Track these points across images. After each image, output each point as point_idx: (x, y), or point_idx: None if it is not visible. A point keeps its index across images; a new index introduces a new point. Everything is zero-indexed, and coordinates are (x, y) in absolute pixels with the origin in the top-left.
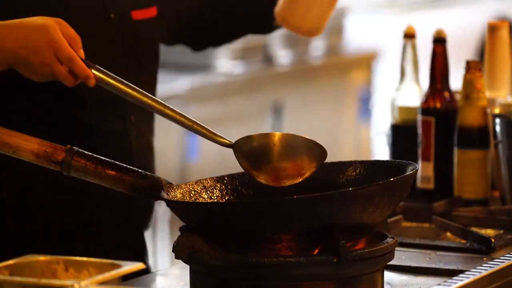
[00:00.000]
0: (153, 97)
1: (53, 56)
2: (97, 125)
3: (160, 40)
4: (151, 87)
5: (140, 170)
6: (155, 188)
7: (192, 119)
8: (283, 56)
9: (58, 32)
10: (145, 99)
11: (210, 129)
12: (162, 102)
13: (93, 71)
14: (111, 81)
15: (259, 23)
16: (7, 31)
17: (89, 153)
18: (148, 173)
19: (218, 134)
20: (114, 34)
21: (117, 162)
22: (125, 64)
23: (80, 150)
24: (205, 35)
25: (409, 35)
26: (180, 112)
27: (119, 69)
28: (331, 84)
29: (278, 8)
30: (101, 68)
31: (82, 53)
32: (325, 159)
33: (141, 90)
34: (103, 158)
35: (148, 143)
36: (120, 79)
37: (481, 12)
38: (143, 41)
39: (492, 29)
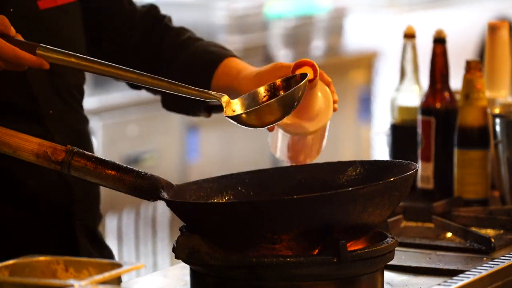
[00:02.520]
0: (109, 63)
1: None
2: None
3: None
4: (81, 76)
5: (140, 170)
6: (155, 188)
7: (169, 80)
8: (283, 56)
9: None
10: (99, 66)
11: (194, 87)
12: (127, 68)
13: (39, 51)
14: (61, 57)
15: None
16: None
17: (89, 153)
18: (148, 173)
19: (204, 90)
20: (19, 28)
21: (117, 162)
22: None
23: (80, 150)
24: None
25: (409, 35)
26: (145, 73)
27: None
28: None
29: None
30: (46, 46)
31: (13, 30)
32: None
33: (94, 58)
34: (103, 158)
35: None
36: (69, 52)
37: (481, 12)
38: (61, 30)
39: (492, 29)
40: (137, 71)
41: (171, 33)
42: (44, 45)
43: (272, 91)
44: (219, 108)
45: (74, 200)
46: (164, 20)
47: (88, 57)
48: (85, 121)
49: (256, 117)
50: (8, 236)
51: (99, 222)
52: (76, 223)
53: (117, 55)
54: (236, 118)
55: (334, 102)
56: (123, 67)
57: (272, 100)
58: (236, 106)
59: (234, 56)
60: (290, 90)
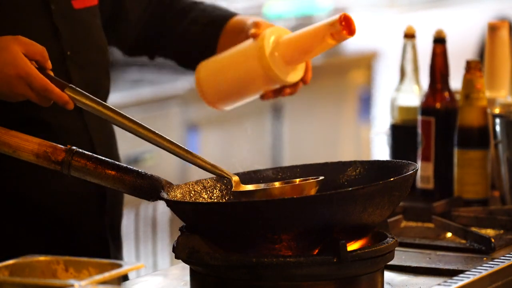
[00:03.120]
0: (132, 118)
1: (26, 86)
2: (54, 120)
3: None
4: (103, 81)
5: (140, 170)
6: (155, 188)
7: (187, 148)
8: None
9: (25, 61)
10: (124, 120)
11: (209, 161)
12: (149, 127)
13: (67, 92)
14: (88, 102)
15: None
16: None
17: (89, 153)
18: (148, 173)
19: (218, 166)
20: (57, 25)
21: (117, 162)
22: (71, 56)
23: (80, 150)
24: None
25: (409, 35)
26: (171, 140)
27: (66, 61)
28: (331, 84)
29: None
30: (76, 88)
31: (49, 64)
32: (319, 182)
33: (118, 110)
34: (103, 158)
35: (108, 132)
36: (98, 99)
37: (481, 12)
38: (87, 30)
39: (492, 29)
40: (158, 133)
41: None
42: (72, 86)
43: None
44: None
45: (105, 199)
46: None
47: (114, 108)
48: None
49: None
50: (9, 237)
51: (121, 221)
52: (105, 223)
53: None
54: (245, 194)
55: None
56: (147, 126)
57: (286, 185)
58: (247, 186)
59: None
60: (307, 182)
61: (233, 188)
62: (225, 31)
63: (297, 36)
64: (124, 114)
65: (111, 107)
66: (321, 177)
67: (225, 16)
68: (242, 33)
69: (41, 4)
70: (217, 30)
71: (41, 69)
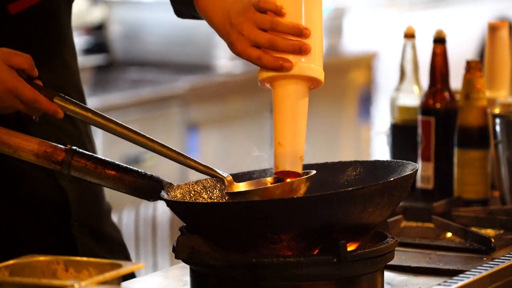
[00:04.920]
0: (129, 127)
1: (15, 99)
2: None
3: (65, 22)
4: (68, 76)
5: (140, 170)
6: (155, 188)
7: (178, 151)
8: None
9: (12, 73)
10: (114, 126)
11: (201, 162)
12: (140, 132)
13: (57, 101)
14: (77, 109)
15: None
16: None
17: (89, 153)
18: (148, 173)
19: (210, 167)
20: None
21: (117, 162)
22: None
23: (80, 150)
24: None
25: (409, 35)
26: (163, 143)
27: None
28: (331, 84)
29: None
30: (64, 96)
31: (36, 72)
32: (311, 178)
33: (107, 116)
34: (103, 158)
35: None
36: (87, 106)
37: (481, 12)
38: (26, 35)
39: (492, 29)
40: (151, 138)
41: None
42: (62, 94)
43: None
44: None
45: (70, 202)
46: None
47: (104, 115)
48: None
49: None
50: (5, 237)
51: (104, 219)
52: (73, 223)
53: None
54: (239, 195)
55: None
56: (137, 131)
57: (279, 184)
58: (240, 186)
59: None
60: (302, 177)
61: (227, 188)
62: None
63: None
64: (114, 119)
65: (101, 113)
66: (313, 172)
67: None
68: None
69: None
70: None
71: (29, 78)
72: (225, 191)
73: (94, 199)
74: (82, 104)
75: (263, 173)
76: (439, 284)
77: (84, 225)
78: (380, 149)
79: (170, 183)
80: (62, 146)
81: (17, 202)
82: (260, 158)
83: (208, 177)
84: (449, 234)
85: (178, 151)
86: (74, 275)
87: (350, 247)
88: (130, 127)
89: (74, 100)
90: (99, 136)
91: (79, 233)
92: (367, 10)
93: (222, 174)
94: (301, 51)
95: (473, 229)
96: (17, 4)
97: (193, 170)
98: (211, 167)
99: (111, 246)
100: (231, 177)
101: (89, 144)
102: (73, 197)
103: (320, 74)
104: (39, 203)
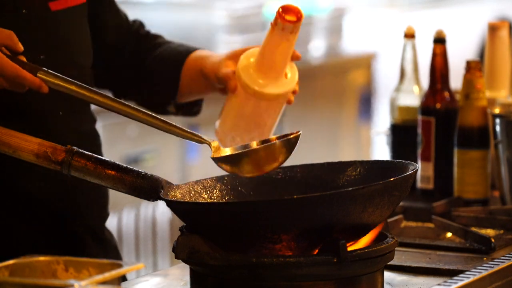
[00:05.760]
0: (112, 97)
1: None
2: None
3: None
4: (86, 81)
5: (140, 170)
6: (155, 188)
7: (163, 118)
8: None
9: None
10: (98, 97)
11: (186, 129)
12: (123, 102)
13: (40, 74)
14: (61, 83)
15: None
16: None
17: (89, 153)
18: (148, 173)
19: (195, 133)
20: (31, 29)
21: (117, 162)
22: (45, 60)
23: (80, 150)
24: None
25: (409, 35)
26: (147, 111)
27: (48, 65)
28: (331, 84)
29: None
30: (48, 70)
31: (20, 46)
32: (297, 138)
33: (91, 88)
34: (103, 158)
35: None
36: (71, 80)
37: (481, 12)
38: (71, 32)
39: (492, 29)
40: (134, 107)
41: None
42: (45, 69)
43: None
44: (186, 109)
45: (79, 203)
46: (149, 36)
47: (88, 86)
48: (92, 121)
49: (248, 162)
50: (9, 237)
51: (105, 221)
52: (78, 224)
53: (103, 60)
54: (224, 159)
55: (294, 92)
56: (122, 101)
57: (264, 145)
58: (226, 151)
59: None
60: (284, 139)
61: (212, 154)
62: (185, 67)
63: (261, 50)
64: (97, 90)
65: (85, 85)
66: (299, 132)
67: (186, 51)
68: (201, 71)
69: (19, 4)
70: (178, 66)
71: (13, 54)
72: (211, 156)
73: (101, 202)
74: (66, 78)
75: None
76: (439, 284)
77: (88, 227)
78: (380, 149)
79: (170, 183)
80: (62, 146)
81: (23, 201)
82: None
83: (209, 176)
84: (449, 234)
85: (162, 118)
86: (74, 275)
87: (350, 247)
88: (114, 98)
89: (57, 74)
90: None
91: (83, 234)
92: (367, 10)
93: (207, 139)
94: None
95: (473, 229)
96: (58, 2)
97: (193, 168)
98: (197, 133)
99: (106, 249)
100: (217, 143)
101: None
102: (82, 199)
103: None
104: (47, 202)
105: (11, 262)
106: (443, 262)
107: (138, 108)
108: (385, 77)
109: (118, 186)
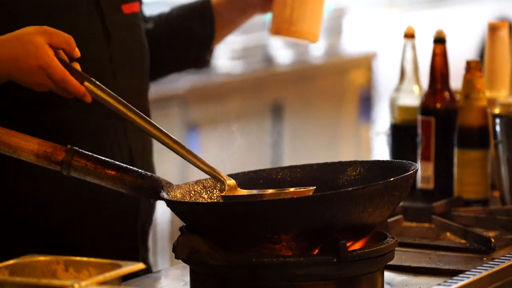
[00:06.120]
0: (148, 118)
1: (46, 77)
2: (94, 124)
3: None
4: (144, 83)
5: (140, 170)
6: (155, 188)
7: (189, 149)
8: (283, 56)
9: (47, 52)
10: (138, 120)
11: (208, 163)
12: (157, 125)
13: (87, 83)
14: (104, 96)
15: (195, 58)
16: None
17: (89, 153)
18: (148, 173)
19: (216, 169)
20: (108, 29)
21: (117, 162)
22: (118, 59)
23: (80, 150)
24: None
25: (409, 35)
26: (176, 139)
27: (113, 63)
28: (331, 84)
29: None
30: (95, 81)
31: (77, 52)
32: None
33: (135, 109)
34: (103, 158)
35: (146, 142)
36: (114, 94)
37: (481, 12)
38: (135, 34)
39: (492, 29)
40: (164, 131)
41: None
42: (93, 79)
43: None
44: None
45: (141, 209)
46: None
47: (127, 104)
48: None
49: None
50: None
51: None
52: (139, 226)
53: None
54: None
55: None
56: (155, 124)
57: (278, 192)
58: (241, 191)
59: None
60: (301, 195)
61: (225, 191)
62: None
63: None
64: (138, 112)
65: (127, 104)
66: (313, 188)
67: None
68: None
69: (94, 7)
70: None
71: (67, 59)
72: (222, 194)
73: (153, 206)
74: (110, 92)
75: (263, 172)
76: (439, 284)
77: (144, 230)
78: (380, 149)
79: (170, 183)
80: (62, 146)
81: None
82: (260, 158)
83: (209, 177)
84: (449, 234)
85: (189, 149)
86: (74, 275)
87: (350, 247)
88: (149, 119)
89: (103, 87)
90: None
91: (140, 237)
92: (367, 10)
93: (224, 177)
94: None
95: (473, 229)
96: (130, 5)
97: (193, 168)
98: (216, 169)
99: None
100: (233, 182)
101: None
102: (144, 202)
103: None
104: (108, 205)
105: (11, 262)
106: (443, 262)
107: (169, 135)
108: (385, 77)
109: (118, 186)
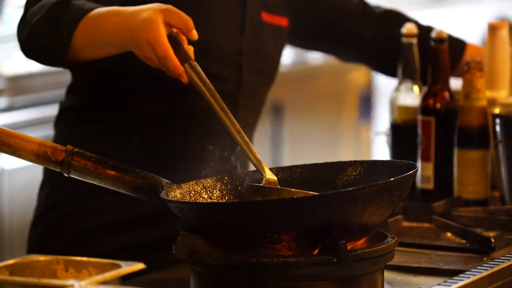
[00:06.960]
0: (233, 118)
1: (152, 52)
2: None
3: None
4: (265, 91)
5: (140, 170)
6: (155, 188)
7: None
8: (283, 56)
9: (159, 28)
10: (224, 117)
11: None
12: (237, 124)
13: (186, 66)
14: (198, 82)
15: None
16: (120, 20)
17: (89, 153)
18: (148, 173)
19: (262, 163)
20: (246, 25)
21: (117, 162)
22: (247, 55)
23: (80, 150)
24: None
25: (409, 35)
26: (247, 139)
27: (242, 57)
28: (331, 84)
29: None
30: (196, 66)
31: (193, 34)
32: None
33: (224, 105)
34: (103, 158)
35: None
36: (209, 85)
37: (481, 12)
38: (265, 42)
39: (492, 29)
40: (245, 137)
41: None
42: (195, 64)
43: None
44: None
45: None
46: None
47: (220, 100)
48: None
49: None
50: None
51: None
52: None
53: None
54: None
55: None
56: (240, 130)
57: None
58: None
59: None
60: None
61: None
62: None
63: None
64: (226, 108)
65: (219, 98)
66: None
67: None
68: None
69: (239, 5)
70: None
71: (180, 39)
72: (251, 183)
73: None
74: (207, 81)
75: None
76: (439, 284)
77: None
78: (380, 149)
79: (170, 183)
80: (62, 146)
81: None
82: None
83: (210, 176)
84: (449, 234)
85: (248, 142)
86: (74, 275)
87: (350, 247)
88: (233, 119)
89: (202, 73)
90: None
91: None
92: None
93: (268, 172)
94: None
95: (473, 229)
96: (272, 16)
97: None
98: (263, 163)
99: None
100: (275, 179)
101: None
102: None
103: None
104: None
105: (11, 262)
106: (443, 262)
107: (246, 139)
108: (385, 77)
109: (118, 186)
